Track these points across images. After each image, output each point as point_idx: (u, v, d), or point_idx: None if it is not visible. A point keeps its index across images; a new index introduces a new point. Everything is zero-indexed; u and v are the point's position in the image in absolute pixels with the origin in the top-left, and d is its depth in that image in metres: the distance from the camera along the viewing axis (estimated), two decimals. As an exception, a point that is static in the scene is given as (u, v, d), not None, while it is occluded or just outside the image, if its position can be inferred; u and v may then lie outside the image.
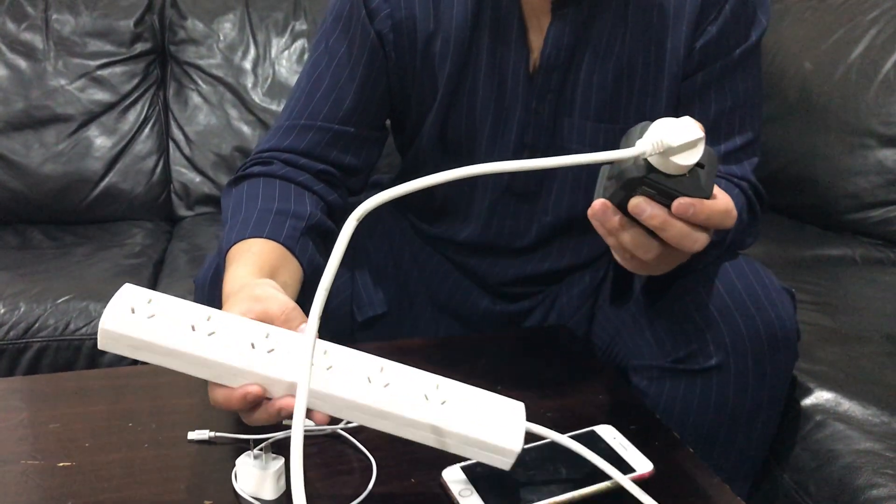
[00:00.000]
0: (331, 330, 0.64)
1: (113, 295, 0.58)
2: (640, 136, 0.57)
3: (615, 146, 0.60)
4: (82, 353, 1.30)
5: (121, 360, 1.23)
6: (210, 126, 1.79)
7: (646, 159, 0.57)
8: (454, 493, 0.64)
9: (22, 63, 1.70)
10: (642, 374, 0.86)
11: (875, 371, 0.98)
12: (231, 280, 0.70)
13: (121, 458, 0.69)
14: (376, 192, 0.55)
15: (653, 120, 0.58)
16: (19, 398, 0.78)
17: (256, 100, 1.79)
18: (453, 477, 0.66)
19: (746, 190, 0.87)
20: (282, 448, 0.69)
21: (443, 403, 0.59)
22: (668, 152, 0.55)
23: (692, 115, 0.58)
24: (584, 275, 0.99)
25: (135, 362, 0.70)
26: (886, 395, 0.92)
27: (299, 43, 1.82)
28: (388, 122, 0.98)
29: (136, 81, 1.77)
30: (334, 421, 0.71)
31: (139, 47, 1.77)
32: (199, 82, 1.80)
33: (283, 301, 0.63)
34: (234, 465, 0.65)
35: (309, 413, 0.57)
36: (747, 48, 0.85)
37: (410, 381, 0.60)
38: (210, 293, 0.84)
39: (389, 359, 0.61)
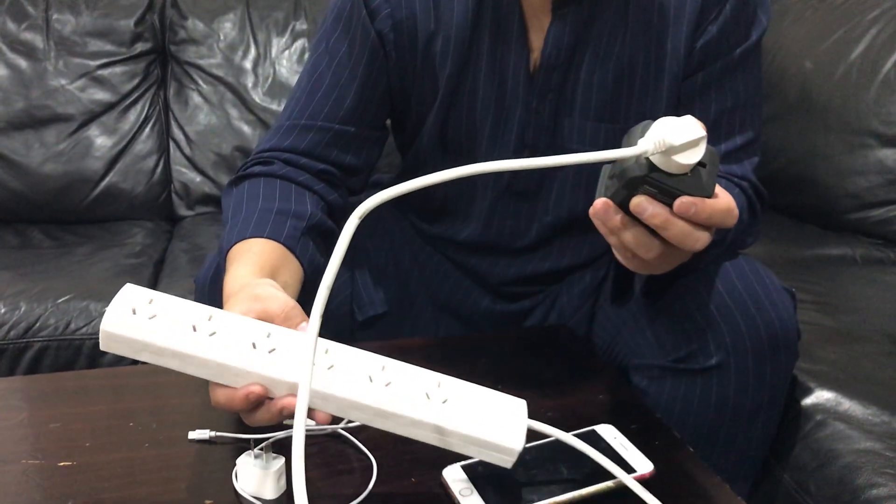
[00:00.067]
0: (331, 329, 0.64)
1: (113, 294, 0.58)
2: (642, 135, 0.57)
3: (615, 146, 0.60)
4: (83, 353, 1.30)
5: (121, 360, 1.23)
6: (210, 126, 1.79)
7: (647, 158, 0.57)
8: (455, 493, 0.64)
9: (22, 63, 1.70)
10: (643, 373, 0.86)
11: (875, 371, 0.98)
12: (232, 280, 0.70)
13: (121, 458, 0.69)
14: (377, 192, 0.55)
15: (653, 120, 0.58)
16: (20, 398, 0.78)
17: (257, 99, 1.79)
18: (454, 476, 0.66)
19: (747, 189, 0.87)
20: (282, 448, 0.68)
21: (444, 402, 0.59)
22: (669, 151, 0.55)
23: (692, 115, 0.58)
24: (585, 274, 0.99)
25: (135, 362, 0.70)
26: (887, 395, 0.92)
27: (300, 43, 1.82)
28: (388, 121, 0.98)
29: (136, 81, 1.77)
30: (335, 420, 0.71)
31: (139, 47, 1.77)
32: (200, 82, 1.80)
33: (282, 300, 0.63)
34: (234, 465, 0.65)
35: (310, 412, 0.57)
36: (748, 48, 0.85)
37: (412, 380, 0.60)
38: (210, 293, 0.84)
39: (390, 358, 0.61)
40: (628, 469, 0.66)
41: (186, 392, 0.78)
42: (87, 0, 1.75)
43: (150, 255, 1.56)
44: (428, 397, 0.59)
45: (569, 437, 0.66)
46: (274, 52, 1.81)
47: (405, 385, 0.59)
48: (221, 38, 1.81)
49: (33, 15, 1.73)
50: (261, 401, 0.57)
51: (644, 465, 0.67)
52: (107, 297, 1.32)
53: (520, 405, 0.62)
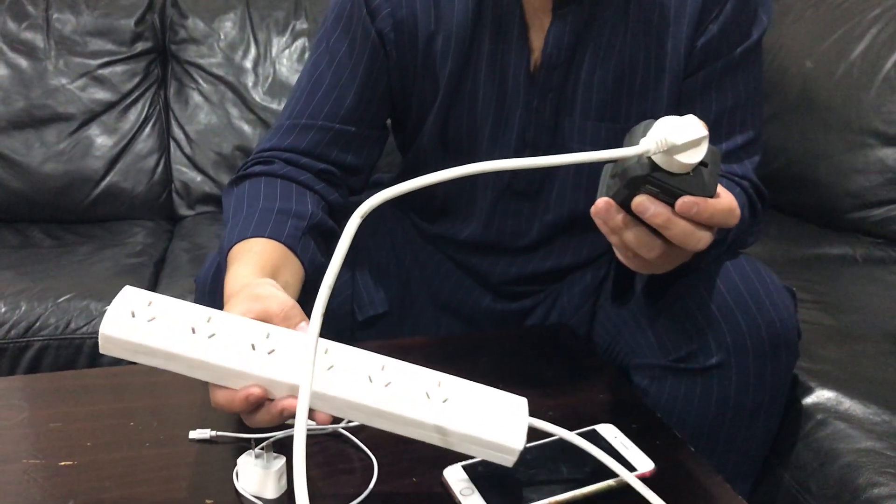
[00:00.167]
0: (332, 329, 0.64)
1: (114, 294, 0.58)
2: (644, 135, 0.57)
3: (616, 145, 0.60)
4: (83, 352, 1.30)
5: (122, 359, 1.23)
6: (211, 125, 1.79)
7: (649, 158, 0.57)
8: (455, 492, 0.64)
9: (23, 62, 1.70)
10: (643, 372, 0.86)
11: (876, 370, 0.98)
12: (232, 280, 0.70)
13: (122, 457, 0.69)
14: (377, 191, 0.55)
15: (654, 119, 0.58)
16: (20, 397, 0.78)
17: (257, 99, 1.79)
18: (455, 476, 0.66)
19: (748, 189, 0.87)
20: (283, 447, 0.68)
21: (444, 401, 0.59)
22: (671, 150, 0.55)
23: (693, 114, 0.58)
24: (586, 274, 0.99)
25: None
26: (887, 394, 0.92)
27: (300, 42, 1.82)
28: (388, 121, 0.98)
29: (136, 80, 1.77)
30: (336, 420, 0.71)
31: (140, 46, 1.77)
32: (200, 81, 1.80)
33: (282, 299, 0.63)
34: (235, 465, 0.65)
35: (311, 413, 0.57)
36: (748, 47, 0.85)
37: (412, 379, 0.60)
38: (211, 292, 0.84)
39: (391, 358, 0.61)
40: (629, 468, 0.66)
41: (187, 391, 0.78)
42: (87, -1, 1.76)
43: (150, 255, 1.56)
44: (428, 397, 0.59)
45: (570, 436, 0.66)
46: (274, 51, 1.81)
47: (405, 385, 0.59)
48: (222, 37, 1.81)
49: (34, 14, 1.73)
50: (260, 402, 0.57)
51: (645, 464, 0.67)
52: (107, 297, 1.32)
53: (521, 404, 0.62)
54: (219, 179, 1.78)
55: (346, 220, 0.55)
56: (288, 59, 1.81)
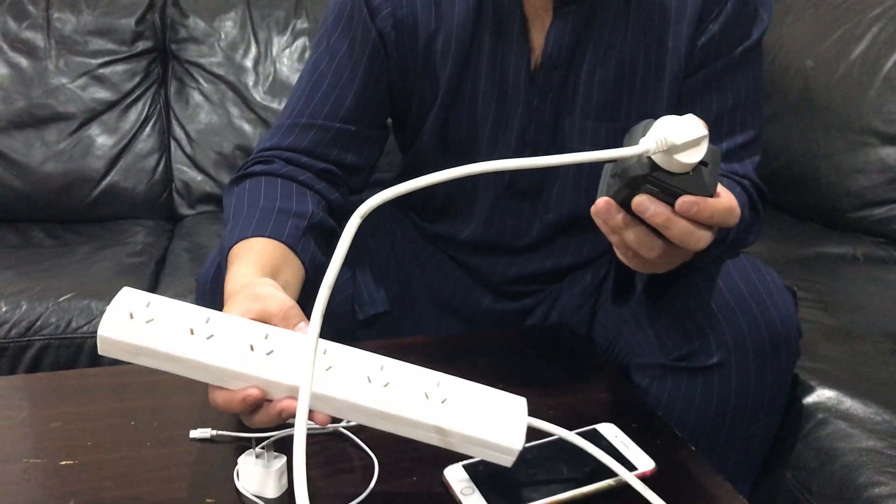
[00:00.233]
0: (332, 328, 0.64)
1: (114, 293, 0.58)
2: (644, 134, 0.57)
3: (616, 145, 0.60)
4: (84, 352, 1.30)
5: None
6: (211, 124, 1.79)
7: (649, 157, 0.57)
8: (456, 492, 0.64)
9: (23, 61, 1.70)
10: (644, 372, 0.86)
11: (877, 369, 0.98)
12: (232, 280, 0.70)
13: (122, 457, 0.69)
14: (377, 191, 0.55)
15: (654, 119, 0.58)
16: (21, 397, 0.78)
17: (258, 98, 1.79)
18: (455, 475, 0.66)
19: (748, 188, 0.86)
20: (284, 446, 0.68)
21: (443, 402, 0.59)
22: (671, 150, 0.55)
23: (693, 114, 0.57)
24: (586, 273, 0.99)
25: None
26: (888, 394, 0.92)
27: (300, 41, 1.82)
28: (389, 120, 0.98)
29: (137, 80, 1.77)
30: (336, 419, 0.71)
31: (140, 46, 1.77)
32: (201, 81, 1.80)
33: (281, 299, 0.63)
34: (236, 464, 0.65)
35: (310, 414, 0.57)
36: (749, 46, 0.85)
37: (411, 380, 0.59)
38: (212, 292, 0.84)
39: (390, 357, 0.61)
40: (630, 467, 0.66)
41: (188, 391, 0.78)
42: (87, -1, 1.76)
43: (151, 254, 1.56)
44: (427, 397, 0.59)
45: (570, 435, 0.66)
46: (275, 50, 1.81)
47: (404, 385, 0.59)
48: (222, 36, 1.81)
49: (34, 14, 1.73)
50: (259, 403, 0.57)
51: (646, 464, 0.67)
52: (108, 296, 1.32)
53: (520, 403, 0.62)
54: (219, 179, 1.78)
55: (347, 220, 0.55)
56: (288, 58, 1.81)
